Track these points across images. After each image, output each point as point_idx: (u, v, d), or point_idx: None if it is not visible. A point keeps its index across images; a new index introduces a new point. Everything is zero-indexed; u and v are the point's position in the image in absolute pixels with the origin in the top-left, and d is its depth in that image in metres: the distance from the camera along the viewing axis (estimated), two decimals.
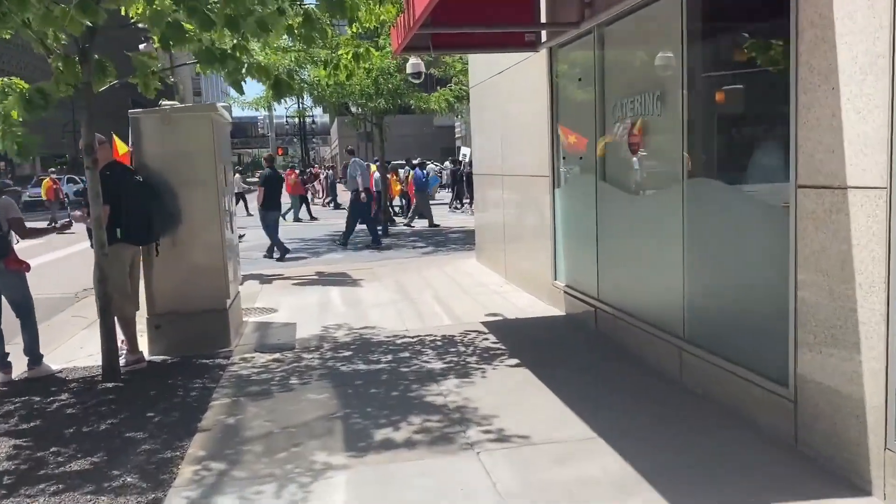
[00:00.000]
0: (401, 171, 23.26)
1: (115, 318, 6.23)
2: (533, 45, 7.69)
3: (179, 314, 6.83)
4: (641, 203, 5.94)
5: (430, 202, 22.21)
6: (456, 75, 16.22)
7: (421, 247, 14.75)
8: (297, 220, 22.67)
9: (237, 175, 24.03)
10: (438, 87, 16.26)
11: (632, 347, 5.97)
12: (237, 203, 19.19)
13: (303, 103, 18.77)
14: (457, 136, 34.36)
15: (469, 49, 8.21)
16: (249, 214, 21.79)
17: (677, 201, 5.13)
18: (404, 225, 19.97)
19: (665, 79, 5.34)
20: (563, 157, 7.59)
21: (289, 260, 13.40)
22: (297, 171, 24.41)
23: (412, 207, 20.33)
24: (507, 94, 9.41)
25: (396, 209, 23.57)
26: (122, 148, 18.42)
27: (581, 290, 7.17)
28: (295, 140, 66.65)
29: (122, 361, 6.34)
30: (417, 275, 10.79)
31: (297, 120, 59.23)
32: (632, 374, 5.48)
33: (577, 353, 6.19)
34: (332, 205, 29.27)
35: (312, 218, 23.02)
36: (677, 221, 5.15)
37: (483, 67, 10.52)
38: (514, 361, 5.97)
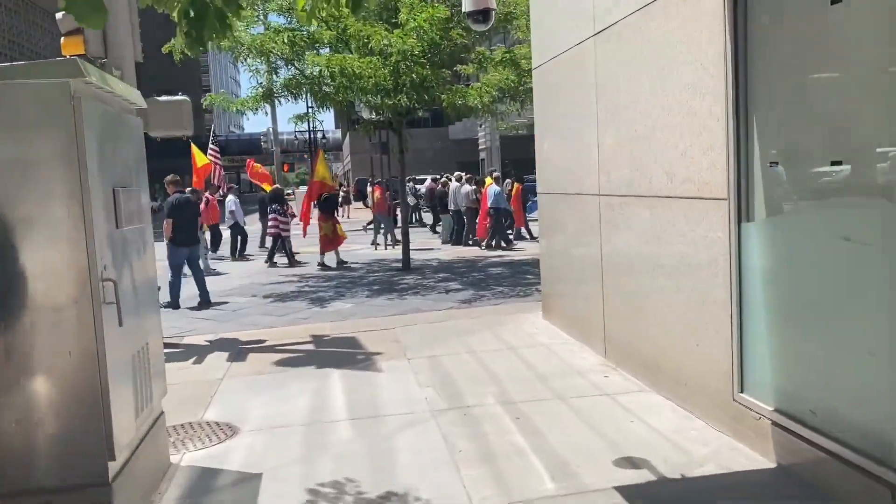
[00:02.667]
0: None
1: None
2: None
3: (7, 499, 3.29)
4: None
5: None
6: (496, 67, 12.65)
7: (456, 289, 11.12)
8: (396, 242, 18.93)
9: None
10: (480, 75, 12.54)
11: None
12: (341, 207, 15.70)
13: (309, 107, 14.90)
14: (481, 147, 30.73)
15: None
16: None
17: None
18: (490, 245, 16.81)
19: None
20: (774, 164, 3.97)
21: (282, 311, 9.86)
22: (383, 187, 20.58)
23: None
24: (612, 68, 5.84)
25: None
26: (200, 159, 13.84)
27: (833, 434, 3.52)
28: (305, 156, 63.25)
29: None
30: (462, 346, 7.19)
31: (306, 135, 55.93)
32: None
33: None
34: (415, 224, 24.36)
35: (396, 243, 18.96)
36: None
37: (560, 33, 6.97)
38: None
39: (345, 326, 8.65)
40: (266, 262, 15.43)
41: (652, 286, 5.37)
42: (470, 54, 13.45)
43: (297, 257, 15.61)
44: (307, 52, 11.28)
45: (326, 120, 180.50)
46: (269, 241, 16.15)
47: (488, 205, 16.24)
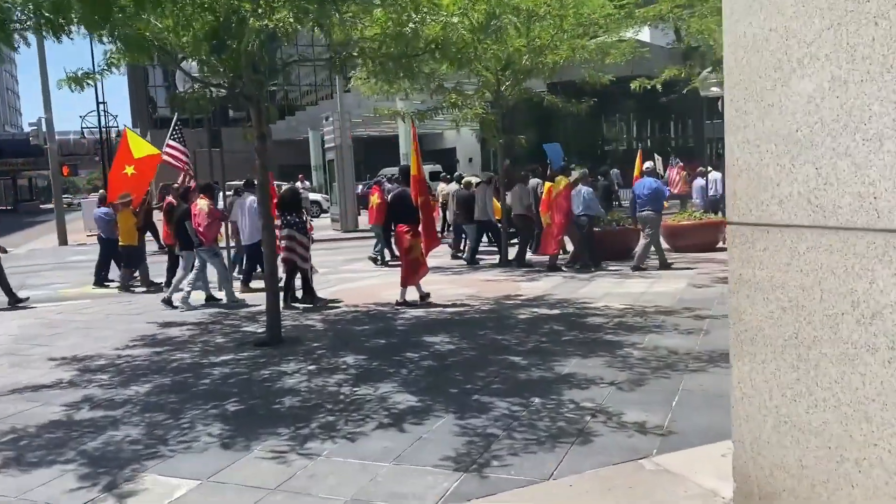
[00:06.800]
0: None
1: None
2: None
3: None
4: None
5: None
6: None
7: (407, 406, 5.50)
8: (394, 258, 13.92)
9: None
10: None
11: None
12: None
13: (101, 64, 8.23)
14: (327, 146, 24.92)
15: None
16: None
17: None
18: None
19: None
20: None
21: None
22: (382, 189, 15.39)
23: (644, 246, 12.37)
24: None
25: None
26: (138, 148, 6.94)
27: None
28: (97, 159, 53.34)
29: None
30: None
31: (100, 135, 46.65)
32: None
33: None
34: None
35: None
36: None
37: None
38: None
39: None
40: (283, 303, 9.63)
41: None
42: None
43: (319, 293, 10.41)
44: None
45: (121, 114, 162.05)
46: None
47: (577, 210, 12.30)
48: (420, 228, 9.64)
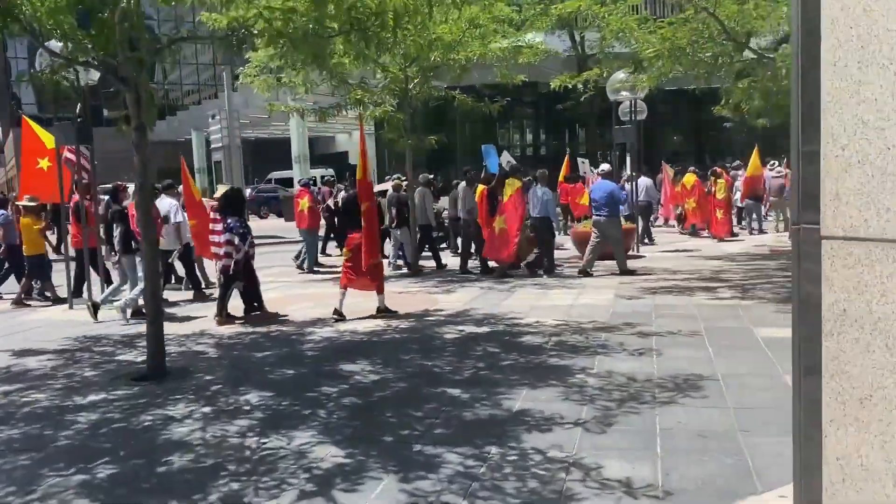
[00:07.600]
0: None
1: None
2: None
3: None
4: None
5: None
6: None
7: (347, 480, 4.46)
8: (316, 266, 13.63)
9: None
10: None
11: None
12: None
13: None
14: (213, 146, 23.09)
15: None
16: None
17: None
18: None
19: None
20: None
21: None
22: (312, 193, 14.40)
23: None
24: None
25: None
26: (48, 141, 7.06)
27: None
28: None
29: None
30: None
31: None
32: None
33: None
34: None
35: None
36: None
37: None
38: None
39: None
40: (217, 315, 8.83)
41: None
42: None
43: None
44: None
45: None
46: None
47: (533, 213, 11.88)
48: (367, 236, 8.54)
